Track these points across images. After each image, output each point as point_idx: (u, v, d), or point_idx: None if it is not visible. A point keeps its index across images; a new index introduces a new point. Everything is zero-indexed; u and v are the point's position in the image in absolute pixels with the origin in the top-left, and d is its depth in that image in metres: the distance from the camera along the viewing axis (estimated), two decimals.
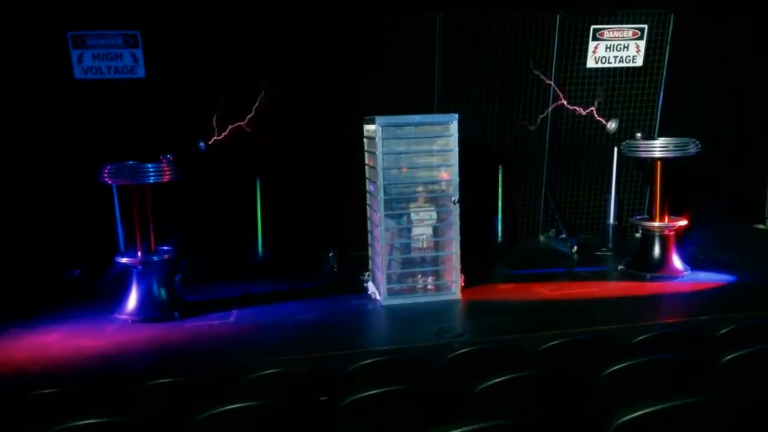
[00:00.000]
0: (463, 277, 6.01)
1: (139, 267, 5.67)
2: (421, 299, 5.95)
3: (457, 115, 5.84)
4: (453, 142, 5.83)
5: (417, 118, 5.90)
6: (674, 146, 6.33)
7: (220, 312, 5.74)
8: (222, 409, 2.50)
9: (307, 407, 2.85)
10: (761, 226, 8.99)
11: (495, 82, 7.99)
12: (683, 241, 6.86)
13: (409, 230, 5.99)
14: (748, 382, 2.71)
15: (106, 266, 6.47)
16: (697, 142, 6.35)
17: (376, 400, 2.61)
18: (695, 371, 2.81)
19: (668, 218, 6.52)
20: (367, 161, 6.33)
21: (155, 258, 5.71)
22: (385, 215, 5.86)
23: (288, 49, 7.40)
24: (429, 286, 6.07)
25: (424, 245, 6.03)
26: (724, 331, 3.59)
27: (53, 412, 3.14)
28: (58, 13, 6.92)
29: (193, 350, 4.94)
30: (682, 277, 6.41)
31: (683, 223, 6.54)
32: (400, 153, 5.86)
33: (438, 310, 5.74)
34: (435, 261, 6.09)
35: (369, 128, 6.05)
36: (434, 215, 5.98)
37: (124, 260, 5.73)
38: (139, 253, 5.72)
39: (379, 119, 5.72)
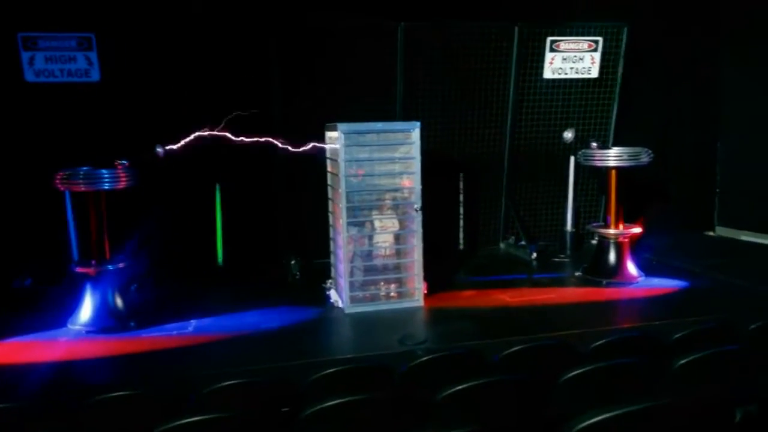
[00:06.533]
0: (425, 284, 6.04)
1: (94, 276, 5.51)
2: (384, 307, 5.95)
3: (419, 123, 5.88)
4: (415, 149, 5.86)
5: (379, 125, 5.91)
6: (628, 155, 6.52)
7: (178, 322, 5.61)
8: (180, 422, 2.44)
9: (268, 419, 2.81)
10: (711, 233, 9.33)
11: (456, 92, 8.08)
12: (637, 247, 7.05)
13: (372, 238, 5.99)
14: (702, 385, 2.80)
15: (59, 275, 6.26)
16: (650, 151, 6.55)
17: (339, 409, 2.59)
18: (651, 375, 2.88)
19: (623, 225, 6.70)
20: (329, 168, 6.31)
21: (110, 267, 5.55)
22: (348, 223, 5.84)
23: (247, 55, 7.34)
24: (392, 294, 6.07)
25: (387, 253, 6.03)
26: (677, 335, 3.70)
27: (2, 427, 3.02)
28: (7, 13, 6.69)
29: (150, 362, 4.82)
30: (637, 282, 6.58)
31: (637, 230, 6.72)
32: (363, 160, 5.86)
33: (401, 317, 5.75)
34: (398, 268, 6.10)
35: (331, 135, 6.03)
36: (397, 223, 6.00)
37: (77, 269, 5.56)
38: (94, 262, 5.55)
39: (341, 126, 5.71)
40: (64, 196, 6.53)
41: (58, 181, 5.35)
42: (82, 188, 5.45)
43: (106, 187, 5.37)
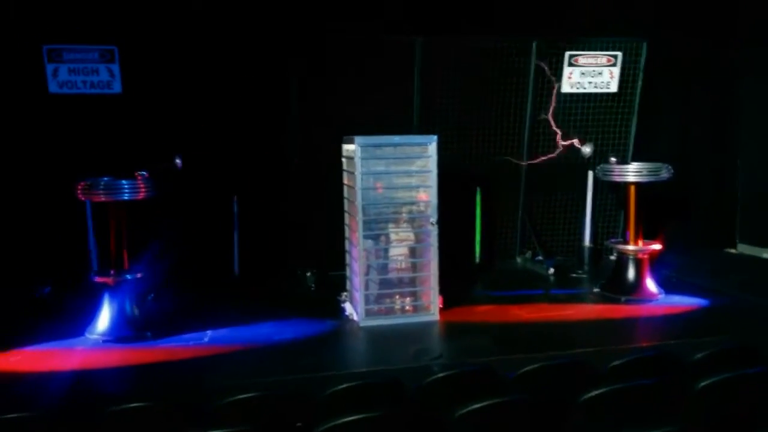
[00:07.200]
0: (441, 298, 6.00)
1: (112, 285, 5.56)
2: (399, 320, 5.92)
3: (436, 137, 5.88)
4: (432, 163, 5.86)
5: (396, 138, 5.92)
6: (647, 171, 6.45)
7: (194, 332, 5.63)
8: None
9: None
10: (732, 250, 9.18)
11: (473, 106, 8.07)
12: (657, 264, 6.95)
13: (387, 251, 5.98)
14: (724, 408, 2.74)
15: (77, 284, 6.33)
16: (670, 167, 6.47)
17: (352, 426, 2.57)
18: (671, 397, 2.83)
19: (642, 242, 6.61)
20: (345, 181, 6.32)
21: (128, 276, 5.59)
22: (364, 236, 5.84)
23: (266, 68, 7.41)
24: (407, 308, 6.04)
25: (402, 266, 6.01)
26: (698, 356, 3.63)
27: None
28: (33, 26, 6.83)
29: (165, 372, 4.83)
30: (657, 300, 6.48)
31: (657, 246, 6.62)
32: (380, 173, 5.86)
33: (416, 331, 5.72)
34: (413, 282, 6.07)
35: (348, 148, 6.05)
36: (412, 236, 5.98)
37: (96, 278, 5.61)
38: (112, 271, 5.61)
39: (358, 139, 5.73)
40: (85, 206, 6.62)
41: (79, 191, 5.43)
42: (103, 198, 5.52)
43: (126, 198, 5.43)
